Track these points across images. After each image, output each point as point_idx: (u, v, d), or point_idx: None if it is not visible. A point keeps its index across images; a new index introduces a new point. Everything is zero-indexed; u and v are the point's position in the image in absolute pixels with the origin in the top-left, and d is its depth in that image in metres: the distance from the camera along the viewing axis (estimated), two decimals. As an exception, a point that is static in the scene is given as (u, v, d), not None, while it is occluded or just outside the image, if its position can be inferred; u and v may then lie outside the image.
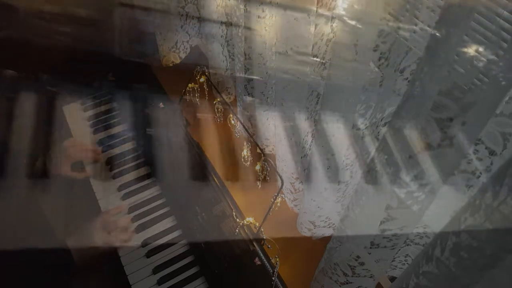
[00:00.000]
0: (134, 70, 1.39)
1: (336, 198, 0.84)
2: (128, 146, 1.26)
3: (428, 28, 0.54)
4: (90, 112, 1.35)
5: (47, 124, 1.22)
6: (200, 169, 1.06)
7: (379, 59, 0.60)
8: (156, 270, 1.01)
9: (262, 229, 0.91)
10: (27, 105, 1.16)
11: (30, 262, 0.90)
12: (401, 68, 0.60)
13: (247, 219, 0.92)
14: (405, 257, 0.83)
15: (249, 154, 1.04)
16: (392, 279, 0.90)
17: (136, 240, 1.06)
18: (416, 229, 0.74)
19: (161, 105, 1.22)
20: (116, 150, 1.25)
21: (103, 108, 1.37)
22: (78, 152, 1.18)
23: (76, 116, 1.34)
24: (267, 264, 0.88)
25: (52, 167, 1.11)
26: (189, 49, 1.39)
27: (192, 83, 1.17)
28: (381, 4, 0.54)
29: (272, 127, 1.06)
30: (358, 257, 0.70)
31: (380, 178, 0.57)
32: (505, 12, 0.49)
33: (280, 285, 0.87)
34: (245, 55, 0.99)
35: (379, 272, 0.73)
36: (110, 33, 1.28)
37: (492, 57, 0.49)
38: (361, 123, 0.67)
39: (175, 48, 1.35)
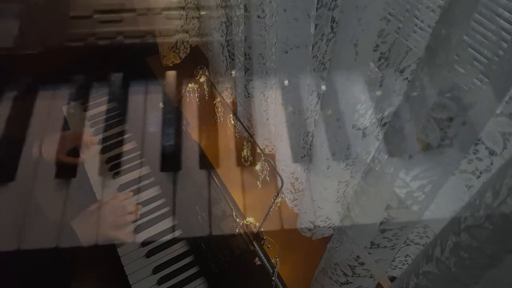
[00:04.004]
0: (134, 70, 1.39)
1: (336, 198, 0.84)
2: (128, 146, 1.26)
3: (428, 28, 0.54)
4: (90, 112, 1.35)
5: (47, 124, 1.22)
6: (200, 169, 1.06)
7: (379, 59, 0.60)
8: (156, 270, 1.01)
9: (262, 229, 0.91)
10: (26, 105, 1.17)
11: (28, 261, 0.90)
12: (401, 68, 0.60)
13: (247, 219, 0.92)
14: (405, 257, 0.83)
15: (249, 154, 1.04)
16: (392, 279, 0.89)
17: (136, 240, 1.06)
18: (416, 229, 0.74)
19: (161, 105, 1.22)
20: (116, 150, 1.25)
21: (103, 107, 1.37)
22: (73, 140, 1.19)
23: (76, 115, 1.34)
24: (267, 264, 0.88)
25: (47, 155, 1.12)
26: (189, 49, 1.39)
27: (192, 83, 1.17)
28: (381, 4, 0.54)
29: (272, 127, 1.06)
30: (358, 257, 0.70)
31: (380, 178, 0.57)
32: (505, 12, 0.49)
33: (280, 285, 0.87)
34: (245, 55, 0.99)
35: (379, 272, 0.73)
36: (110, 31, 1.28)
37: (492, 57, 0.49)
38: (361, 123, 0.67)
39: (175, 48, 1.35)
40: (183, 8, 1.26)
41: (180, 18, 1.28)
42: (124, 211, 1.05)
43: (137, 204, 1.12)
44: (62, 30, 1.24)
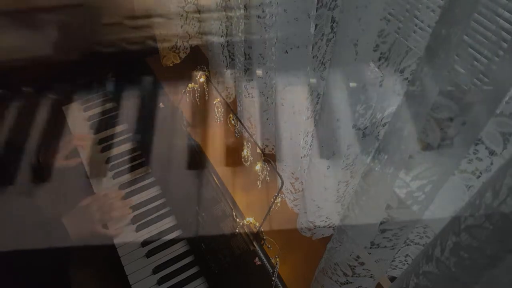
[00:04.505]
0: (134, 70, 1.39)
1: (336, 198, 0.84)
2: (128, 146, 1.26)
3: (428, 28, 0.54)
4: (90, 112, 1.35)
5: (48, 126, 1.23)
6: (200, 169, 1.06)
7: (379, 59, 0.60)
8: (156, 270, 1.01)
9: (262, 229, 0.91)
10: (28, 109, 1.18)
11: (29, 261, 0.90)
12: (401, 68, 0.60)
13: (247, 219, 0.92)
14: (405, 257, 0.83)
15: (249, 154, 1.04)
16: (392, 279, 0.90)
17: (136, 240, 1.07)
18: (416, 229, 0.74)
19: (161, 105, 1.22)
20: (116, 150, 1.25)
21: (103, 108, 1.37)
22: (70, 143, 1.20)
23: (76, 116, 1.34)
24: (267, 264, 0.88)
25: (49, 160, 1.13)
26: (189, 49, 1.39)
27: (192, 83, 1.17)
28: (381, 4, 0.54)
29: (272, 127, 1.06)
30: (358, 257, 0.70)
31: (380, 178, 0.57)
32: (505, 12, 0.49)
33: (280, 285, 0.87)
34: (245, 55, 0.99)
35: (379, 272, 0.73)
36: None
37: (492, 57, 0.49)
38: (361, 123, 0.67)
39: (175, 48, 1.35)
40: (183, 8, 1.26)
41: (180, 18, 1.28)
42: (111, 207, 1.06)
43: (133, 202, 1.12)
44: (95, 37, 1.29)
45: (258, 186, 1.02)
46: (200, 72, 1.15)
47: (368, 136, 0.69)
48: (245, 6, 0.89)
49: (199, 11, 1.29)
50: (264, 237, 0.91)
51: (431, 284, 0.48)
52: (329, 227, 0.95)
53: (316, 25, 0.68)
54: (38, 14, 1.16)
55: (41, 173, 1.12)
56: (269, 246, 0.92)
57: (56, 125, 1.26)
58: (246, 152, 1.04)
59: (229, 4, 1.00)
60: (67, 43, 1.22)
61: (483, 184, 0.39)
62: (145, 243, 1.06)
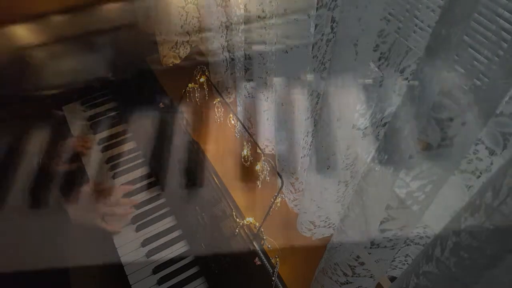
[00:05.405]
0: (134, 70, 1.39)
1: (336, 198, 0.84)
2: (128, 146, 1.26)
3: (428, 28, 0.54)
4: (90, 112, 1.35)
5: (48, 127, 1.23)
6: (200, 169, 1.06)
7: (379, 59, 0.60)
8: (156, 270, 1.01)
9: (262, 229, 0.91)
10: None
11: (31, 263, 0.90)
12: (401, 68, 0.60)
13: (247, 219, 0.92)
14: (405, 257, 0.83)
15: (249, 154, 1.04)
16: (392, 279, 0.90)
17: (136, 240, 1.07)
18: (416, 229, 0.74)
19: (161, 105, 1.23)
20: (116, 150, 1.25)
21: (103, 108, 1.37)
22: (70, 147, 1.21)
23: (76, 116, 1.34)
24: (267, 264, 0.88)
25: (50, 165, 1.13)
26: (189, 49, 1.39)
27: (192, 83, 1.17)
28: (381, 4, 0.54)
29: (272, 127, 1.06)
30: (358, 257, 0.70)
31: (380, 178, 0.57)
32: (505, 12, 0.49)
33: (280, 285, 0.87)
34: (245, 55, 0.99)
35: (379, 272, 0.73)
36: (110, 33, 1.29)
37: (492, 57, 0.49)
38: (361, 123, 0.67)
39: (175, 48, 1.35)
40: (183, 8, 1.26)
41: (180, 18, 1.28)
42: (116, 202, 1.06)
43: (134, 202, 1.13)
44: (146, 55, 1.39)
45: (258, 186, 1.02)
46: (200, 72, 1.15)
47: (368, 136, 0.69)
48: (245, 6, 0.89)
49: (199, 11, 1.29)
50: (264, 237, 0.91)
51: (431, 284, 0.48)
52: (329, 227, 0.95)
53: (316, 25, 0.68)
54: (95, 37, 1.22)
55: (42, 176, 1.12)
56: (269, 246, 0.92)
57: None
58: (246, 152, 1.04)
59: (229, 4, 1.00)
60: (123, 62, 1.27)
61: (483, 184, 0.39)
62: (145, 243, 1.06)
